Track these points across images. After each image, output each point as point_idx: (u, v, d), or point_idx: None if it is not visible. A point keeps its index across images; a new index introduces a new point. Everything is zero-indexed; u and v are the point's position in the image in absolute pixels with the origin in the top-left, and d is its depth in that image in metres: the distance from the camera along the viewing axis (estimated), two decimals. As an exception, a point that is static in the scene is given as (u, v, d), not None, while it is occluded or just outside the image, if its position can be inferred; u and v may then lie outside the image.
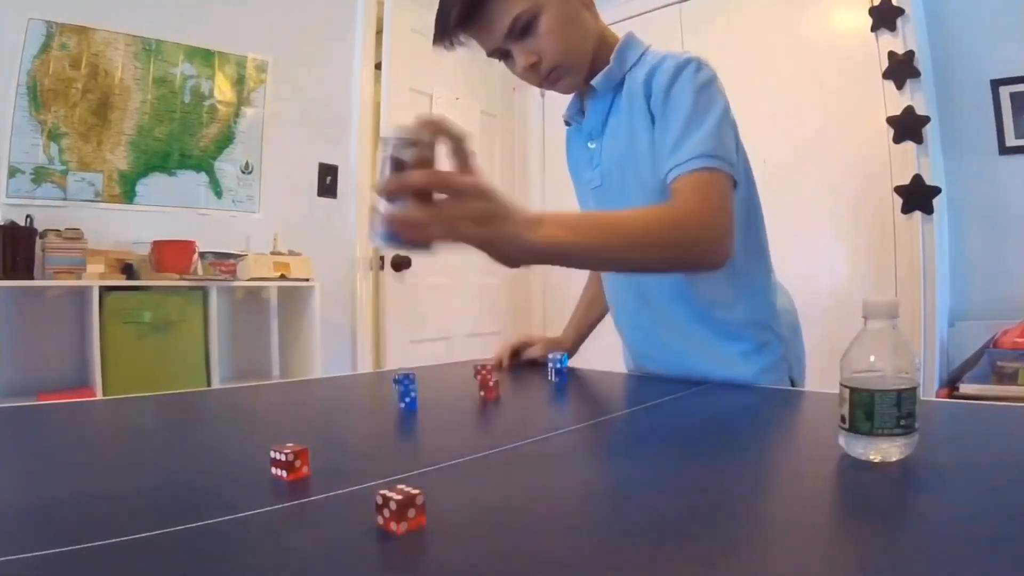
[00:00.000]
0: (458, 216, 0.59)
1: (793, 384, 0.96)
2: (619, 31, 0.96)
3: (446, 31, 0.86)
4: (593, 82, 0.91)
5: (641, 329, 1.03)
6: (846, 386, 0.51)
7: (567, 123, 1.04)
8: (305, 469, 0.48)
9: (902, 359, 0.50)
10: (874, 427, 0.49)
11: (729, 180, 0.80)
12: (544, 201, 3.20)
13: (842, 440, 0.51)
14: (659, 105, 0.85)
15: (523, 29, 0.85)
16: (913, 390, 0.49)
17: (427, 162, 0.59)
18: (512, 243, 0.64)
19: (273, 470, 0.48)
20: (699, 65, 0.85)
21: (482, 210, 0.61)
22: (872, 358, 0.50)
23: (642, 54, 0.91)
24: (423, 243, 0.59)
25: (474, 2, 0.83)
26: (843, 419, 0.51)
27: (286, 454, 0.47)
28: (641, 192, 0.88)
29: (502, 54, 0.89)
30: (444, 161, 0.60)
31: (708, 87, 0.84)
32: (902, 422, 0.48)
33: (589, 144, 0.96)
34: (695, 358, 0.95)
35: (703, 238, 0.76)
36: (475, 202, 0.61)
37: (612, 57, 0.91)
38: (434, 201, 0.59)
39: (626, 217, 0.77)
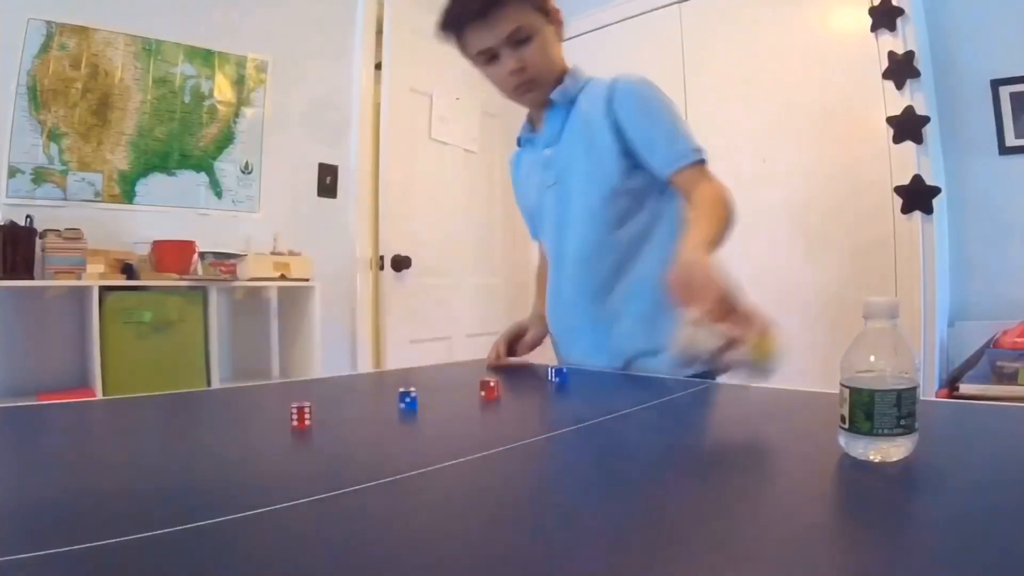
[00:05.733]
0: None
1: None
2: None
3: (458, 21, 1.03)
4: (552, 95, 1.09)
5: (577, 315, 1.12)
6: (846, 386, 0.51)
7: (519, 143, 1.22)
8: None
9: (902, 359, 0.50)
10: (874, 427, 0.49)
11: None
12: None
13: (842, 440, 0.52)
14: (632, 114, 1.03)
15: (519, 40, 1.02)
16: (913, 390, 0.49)
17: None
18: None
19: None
20: (652, 81, 1.05)
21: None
22: (872, 358, 0.50)
23: (588, 79, 1.12)
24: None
25: (493, 2, 0.99)
26: (843, 419, 0.51)
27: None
28: (589, 183, 1.06)
29: (489, 57, 1.04)
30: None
31: (669, 100, 1.05)
32: (902, 422, 0.48)
33: (545, 151, 1.13)
34: (628, 332, 1.08)
35: (734, 207, 0.96)
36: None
37: (566, 78, 1.10)
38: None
39: (714, 211, 0.94)
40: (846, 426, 0.51)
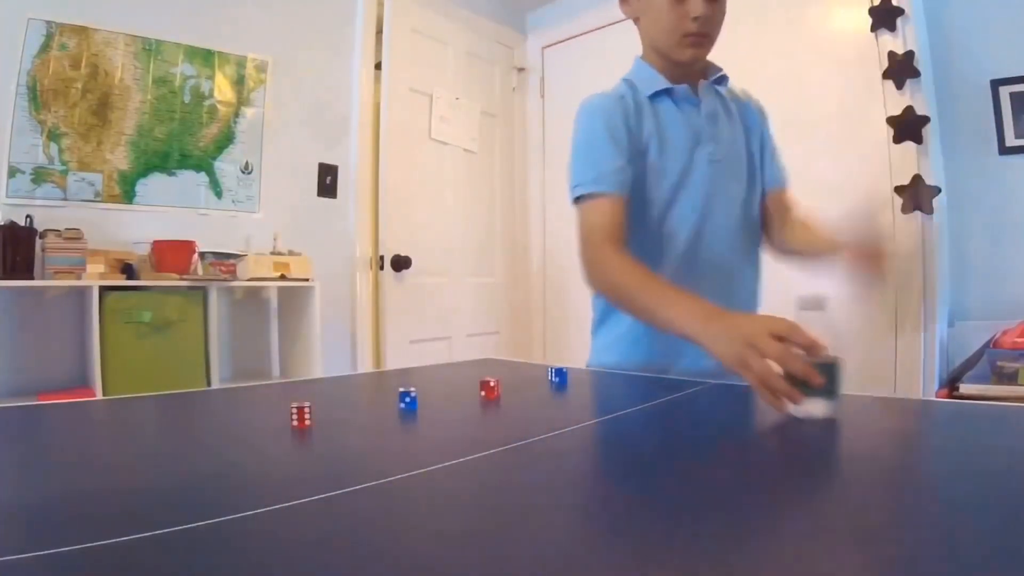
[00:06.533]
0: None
1: None
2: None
3: None
4: (724, 73, 1.12)
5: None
6: None
7: (653, 96, 1.07)
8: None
9: (828, 338, 0.65)
10: (808, 390, 0.63)
11: None
12: (543, 200, 3.20)
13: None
14: (763, 128, 1.17)
15: None
16: (837, 362, 0.64)
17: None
18: None
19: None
20: None
21: None
22: None
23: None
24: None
25: None
26: None
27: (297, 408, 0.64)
28: (743, 174, 1.11)
29: None
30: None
31: None
32: (829, 386, 0.64)
33: (708, 124, 1.07)
34: None
35: None
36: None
37: (713, 67, 1.11)
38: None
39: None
40: None
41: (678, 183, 1.04)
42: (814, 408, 0.63)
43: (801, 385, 0.62)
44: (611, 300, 1.01)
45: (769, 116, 1.19)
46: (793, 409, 0.64)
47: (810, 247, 1.08)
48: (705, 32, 1.00)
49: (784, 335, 0.67)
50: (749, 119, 1.14)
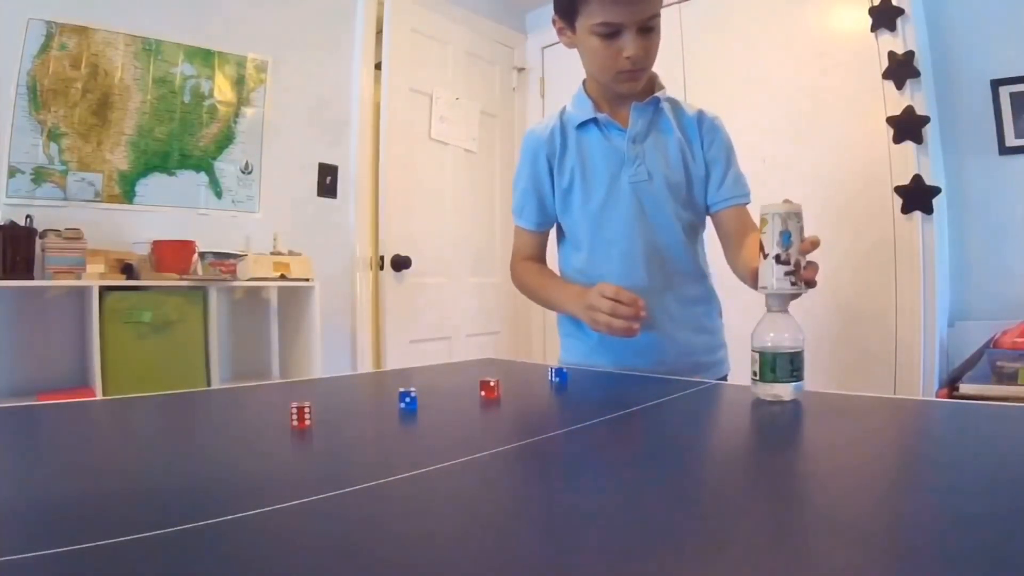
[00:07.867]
0: None
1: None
2: None
3: None
4: (659, 94, 1.10)
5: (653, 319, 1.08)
6: (756, 351, 0.74)
7: (582, 124, 1.13)
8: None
9: (792, 333, 0.74)
10: (777, 377, 0.73)
11: None
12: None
13: (754, 388, 0.75)
14: (714, 146, 1.12)
15: (649, 28, 1.00)
16: (800, 352, 0.73)
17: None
18: None
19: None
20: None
21: None
22: (772, 334, 0.74)
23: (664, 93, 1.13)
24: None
25: None
26: (755, 373, 0.75)
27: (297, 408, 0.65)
28: (680, 188, 1.12)
29: (611, 33, 1.00)
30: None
31: (732, 143, 1.15)
32: (794, 373, 0.73)
33: (633, 144, 1.10)
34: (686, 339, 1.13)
35: None
36: None
37: (657, 85, 1.12)
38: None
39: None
40: (758, 378, 0.74)
41: (603, 204, 1.12)
42: (782, 392, 0.73)
43: (771, 371, 0.73)
44: (530, 298, 1.23)
45: (721, 130, 1.14)
46: (762, 393, 0.75)
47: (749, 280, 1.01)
48: (640, 68, 1.03)
49: (609, 295, 0.95)
50: (690, 135, 1.12)
